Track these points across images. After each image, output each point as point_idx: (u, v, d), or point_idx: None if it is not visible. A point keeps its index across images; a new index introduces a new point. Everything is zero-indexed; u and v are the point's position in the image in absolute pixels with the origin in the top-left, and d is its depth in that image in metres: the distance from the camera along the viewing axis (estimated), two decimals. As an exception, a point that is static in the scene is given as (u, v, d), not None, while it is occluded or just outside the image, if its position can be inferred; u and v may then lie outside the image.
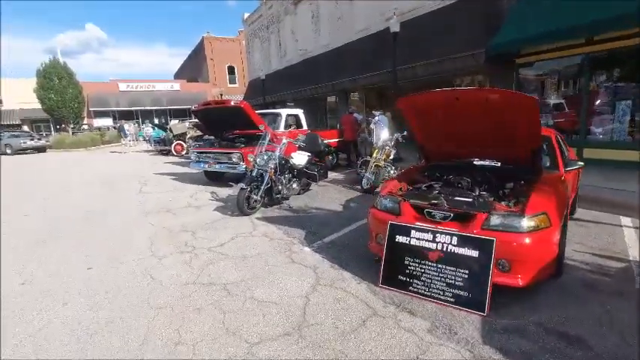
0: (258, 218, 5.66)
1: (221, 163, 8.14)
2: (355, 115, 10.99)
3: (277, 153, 5.97)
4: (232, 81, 43.55)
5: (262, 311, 2.93)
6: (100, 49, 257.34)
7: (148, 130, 20.76)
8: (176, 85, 41.18)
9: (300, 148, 6.93)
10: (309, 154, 6.83)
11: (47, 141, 23.61)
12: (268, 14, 25.81)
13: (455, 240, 2.97)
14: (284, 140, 6.18)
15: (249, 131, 8.84)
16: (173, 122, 19.84)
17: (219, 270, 3.76)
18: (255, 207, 5.88)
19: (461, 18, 10.82)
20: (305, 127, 9.68)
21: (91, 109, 35.27)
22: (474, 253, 2.87)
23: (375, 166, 7.39)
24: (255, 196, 5.80)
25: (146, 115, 37.04)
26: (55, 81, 25.62)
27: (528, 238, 2.82)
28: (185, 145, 16.76)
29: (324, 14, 19.09)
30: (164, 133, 18.40)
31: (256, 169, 5.89)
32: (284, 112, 9.30)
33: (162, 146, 17.77)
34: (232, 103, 7.76)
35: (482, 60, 9.93)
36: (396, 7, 12.65)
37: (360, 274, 3.54)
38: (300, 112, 9.76)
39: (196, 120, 20.55)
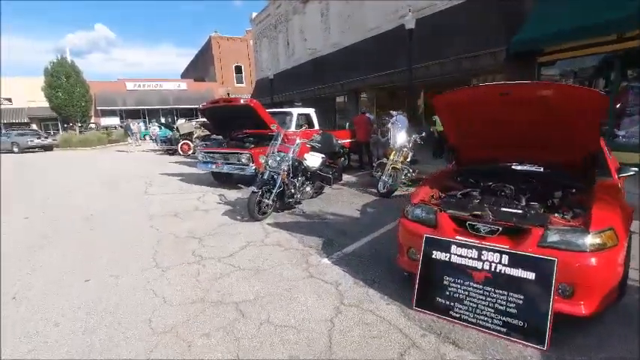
0: (269, 224, 5.27)
1: (229, 164, 7.77)
2: (368, 115, 10.58)
3: (290, 154, 5.58)
4: (239, 80, 43.32)
5: (281, 338, 2.53)
6: (108, 48, 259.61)
7: (155, 129, 20.49)
8: (183, 85, 41.05)
9: (313, 149, 6.54)
10: (323, 155, 6.43)
11: (54, 139, 23.50)
12: (276, 13, 25.49)
13: (506, 259, 2.55)
14: (297, 141, 5.79)
15: (258, 131, 8.48)
16: (180, 121, 19.56)
17: (229, 285, 3.37)
18: (266, 212, 5.49)
19: (477, 15, 10.35)
20: (317, 126, 9.30)
21: (98, 107, 35.23)
22: (530, 275, 2.45)
23: (392, 168, 6.97)
24: (266, 201, 5.42)
25: (153, 115, 36.96)
26: (62, 79, 25.51)
27: (594, 258, 2.39)
28: (192, 145, 16.45)
29: (333, 13, 18.70)
30: (171, 133, 18.13)
31: (268, 172, 5.50)
32: (295, 111, 8.92)
33: (169, 146, 17.49)
34: (242, 102, 7.40)
35: (502, 58, 9.47)
36: (410, 4, 12.22)
37: (388, 292, 3.14)
38: (311, 111, 9.37)
39: (204, 119, 20.35)
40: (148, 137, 25.75)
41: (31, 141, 21.57)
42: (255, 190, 5.19)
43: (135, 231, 5.13)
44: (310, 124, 9.13)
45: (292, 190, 5.73)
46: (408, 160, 7.41)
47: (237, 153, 7.61)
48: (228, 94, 36.84)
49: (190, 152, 16.47)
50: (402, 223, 3.25)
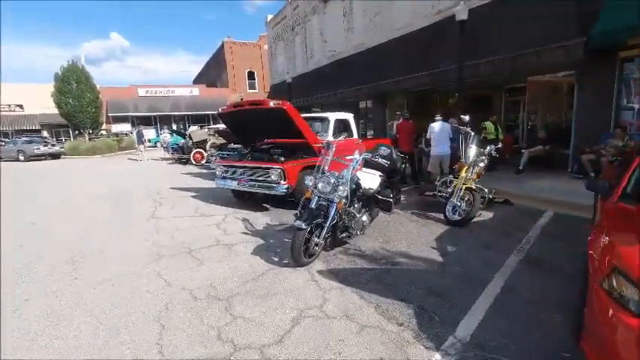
0: (321, 272, 3.77)
1: (255, 181, 6.32)
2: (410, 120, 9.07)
3: (349, 174, 4.08)
4: (252, 86, 42.37)
5: None
6: (123, 56, 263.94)
7: (166, 136, 19.26)
8: (195, 91, 40.14)
9: (366, 165, 5.04)
10: (381, 173, 4.91)
11: (62, 147, 22.50)
12: (294, 15, 24.27)
13: None
14: (357, 156, 4.28)
15: (288, 141, 7.05)
16: (192, 128, 18.31)
17: None
18: (314, 253, 4.00)
19: (541, 3, 8.78)
20: (355, 134, 7.81)
21: (109, 114, 34.47)
22: None
23: (464, 189, 5.43)
24: (316, 239, 3.92)
25: (165, 121, 36.02)
26: (72, 85, 24.58)
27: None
28: (205, 154, 15.15)
29: (358, 11, 17.31)
30: (182, 140, 16.86)
31: (316, 199, 4.02)
32: (332, 116, 7.44)
33: (181, 154, 16.20)
34: (272, 104, 5.96)
35: (579, 53, 7.88)
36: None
37: None
38: (349, 116, 7.90)
39: (218, 125, 19.05)
40: (159, 144, 24.68)
41: (37, 149, 20.57)
42: (302, 227, 3.69)
43: (134, 284, 3.66)
44: (349, 132, 7.65)
45: (348, 222, 4.22)
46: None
47: (265, 168, 6.16)
48: (242, 99, 35.75)
49: (204, 162, 15.17)
50: (619, 319, 1.72)
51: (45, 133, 33.14)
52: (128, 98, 35.55)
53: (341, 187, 3.91)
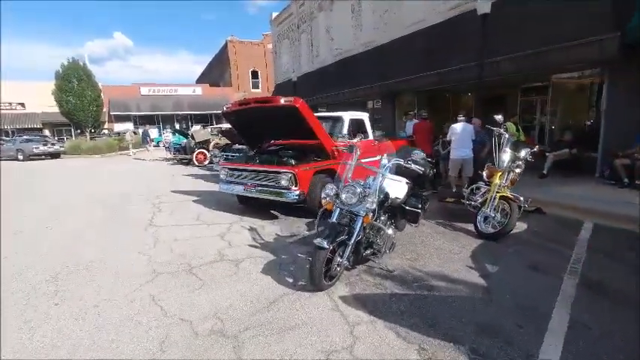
0: (345, 299, 3.19)
1: (263, 186, 5.76)
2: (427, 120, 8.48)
3: (377, 183, 3.50)
4: (255, 86, 41.88)
5: None
6: (126, 56, 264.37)
7: (168, 136, 18.73)
8: (198, 90, 39.68)
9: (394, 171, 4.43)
10: (408, 180, 4.32)
11: (61, 146, 22.03)
12: (299, 12, 23.72)
13: None
14: (385, 161, 3.68)
15: (298, 142, 6.49)
16: (195, 128, 17.78)
17: None
18: (336, 274, 3.41)
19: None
20: (371, 136, 7.23)
21: (111, 113, 34.05)
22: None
23: (499, 197, 4.84)
24: (339, 259, 3.34)
25: (167, 120, 35.53)
26: (74, 83, 24.12)
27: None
28: (208, 155, 14.60)
29: (366, 8, 16.72)
30: (185, 140, 16.34)
31: (338, 211, 3.44)
32: (347, 115, 6.87)
33: (183, 155, 15.66)
34: (282, 102, 5.39)
35: (613, 49, 7.27)
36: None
37: None
38: (365, 116, 7.32)
39: (221, 125, 18.51)
40: (161, 144, 24.18)
41: (37, 148, 20.08)
42: (324, 246, 3.11)
43: (124, 312, 3.09)
44: (364, 133, 7.07)
45: (373, 238, 3.64)
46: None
47: (274, 172, 5.59)
48: (245, 98, 35.23)
49: (206, 163, 14.64)
50: None
51: (47, 132, 32.72)
52: (131, 97, 35.13)
53: (369, 199, 3.33)
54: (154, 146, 25.57)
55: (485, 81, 8.93)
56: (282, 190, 5.51)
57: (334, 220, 3.44)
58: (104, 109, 30.02)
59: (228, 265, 4.03)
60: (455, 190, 7.29)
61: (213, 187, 9.40)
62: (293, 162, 5.87)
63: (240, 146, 9.65)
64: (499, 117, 5.31)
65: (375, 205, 3.36)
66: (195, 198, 7.89)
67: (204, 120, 37.70)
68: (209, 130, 16.93)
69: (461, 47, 10.40)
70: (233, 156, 9.31)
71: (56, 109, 25.71)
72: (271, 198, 5.69)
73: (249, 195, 5.96)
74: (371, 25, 16.49)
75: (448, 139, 7.46)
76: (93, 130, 30.57)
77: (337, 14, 19.17)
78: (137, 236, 5.22)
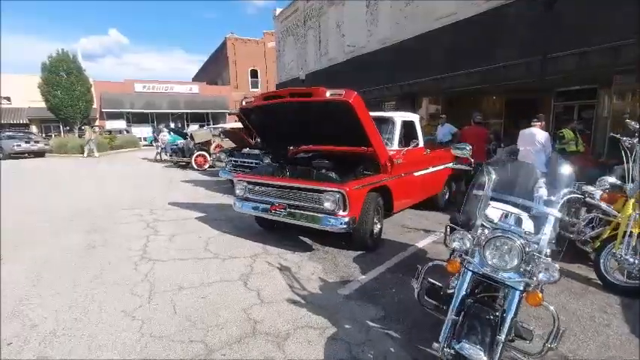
0: None
1: (298, 208, 4.29)
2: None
3: (549, 228, 2.05)
4: (254, 85, 40.40)
5: None
6: (121, 53, 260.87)
7: (165, 136, 17.10)
8: (195, 88, 37.99)
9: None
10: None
11: (46, 144, 20.28)
12: (306, 8, 22.32)
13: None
14: (543, 192, 2.24)
15: (334, 148, 5.08)
16: (192, 127, 16.33)
17: None
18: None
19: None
20: (421, 142, 5.81)
21: (103, 109, 32.25)
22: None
23: (637, 234, 3.44)
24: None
25: (162, 119, 33.73)
26: (62, 76, 22.41)
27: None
28: (209, 158, 13.09)
29: (384, 2, 15.36)
30: (182, 140, 14.78)
31: (469, 276, 2.01)
32: (398, 117, 5.43)
33: (180, 157, 14.08)
34: (329, 95, 3.94)
35: None
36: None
37: None
38: (416, 118, 5.91)
39: (224, 125, 16.95)
40: (155, 144, 22.59)
41: (18, 146, 18.33)
42: (482, 357, 1.66)
43: None
44: (415, 139, 5.65)
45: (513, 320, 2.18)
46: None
47: (315, 190, 4.13)
48: (245, 98, 33.65)
49: (207, 166, 13.13)
50: None
51: (33, 129, 30.78)
52: (124, 94, 33.31)
53: (537, 260, 1.88)
54: (146, 145, 23.94)
55: (547, 80, 7.60)
56: (325, 215, 4.06)
57: (462, 290, 2.00)
58: (94, 106, 28.31)
59: (267, 347, 2.56)
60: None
61: (218, 197, 7.93)
62: (334, 176, 4.44)
63: (252, 150, 8.18)
64: (634, 123, 3.92)
65: (548, 275, 1.91)
66: (200, 214, 6.40)
67: (200, 119, 36.07)
68: (209, 130, 15.41)
69: (509, 41, 9.07)
70: (244, 162, 7.82)
71: (44, 104, 23.97)
72: (307, 225, 4.23)
73: (276, 219, 4.48)
74: (389, 20, 15.13)
75: (515, 147, 6.10)
76: (83, 128, 28.81)
77: (350, 8, 17.80)
78: (124, 280, 3.71)
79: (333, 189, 3.96)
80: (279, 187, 4.45)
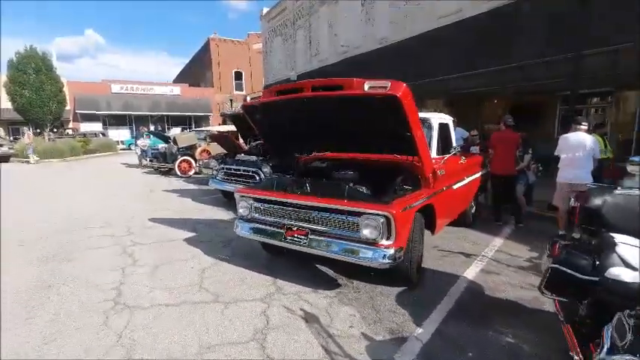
0: None
1: (324, 235, 3.30)
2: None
3: None
4: (239, 87, 39.19)
5: None
6: (97, 54, 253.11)
7: (144, 142, 15.57)
8: (176, 90, 36.39)
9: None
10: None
11: (10, 148, 18.53)
12: (295, 7, 21.41)
13: None
14: None
15: (359, 156, 4.15)
16: (174, 130, 15.06)
17: None
18: None
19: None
20: (455, 145, 4.94)
21: (77, 111, 30.31)
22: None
23: None
24: None
25: (141, 122, 31.97)
26: (30, 74, 20.62)
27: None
28: (194, 164, 11.91)
29: (382, 2, 14.60)
30: (163, 144, 13.49)
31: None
32: (435, 118, 4.52)
33: (161, 163, 12.80)
34: (367, 88, 2.99)
35: None
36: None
37: None
38: (450, 120, 5.04)
39: (210, 128, 15.73)
40: (133, 147, 21.05)
41: (-23, 150, 16.58)
42: None
43: None
44: (449, 142, 4.76)
45: None
46: None
47: (351, 212, 3.15)
48: (232, 100, 32.41)
49: (192, 173, 11.94)
50: None
51: (0, 131, 28.53)
52: (100, 95, 31.45)
53: None
54: (124, 149, 22.32)
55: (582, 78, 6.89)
56: (363, 246, 3.09)
57: None
58: (68, 107, 26.46)
59: None
60: (563, 232, 5.12)
61: (208, 210, 6.85)
62: (364, 191, 3.48)
63: (248, 156, 7.12)
64: None
65: None
66: (188, 234, 5.30)
67: (182, 122, 34.51)
68: (193, 133, 14.21)
69: (526, 40, 8.39)
70: (238, 170, 6.76)
71: (9, 105, 22.06)
72: (338, 258, 3.24)
73: (294, 248, 3.47)
74: (386, 18, 14.38)
75: (556, 153, 5.30)
76: (55, 130, 26.83)
77: (344, 7, 17.01)
78: (89, 345, 2.62)
79: (376, 211, 2.99)
80: (299, 206, 3.44)
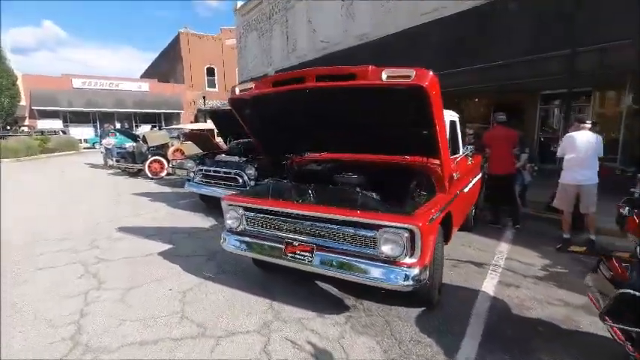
0: None
1: (336, 253, 2.78)
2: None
3: None
4: (211, 84, 37.93)
5: None
6: (57, 48, 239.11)
7: (109, 140, 14.41)
8: (145, 86, 34.60)
9: None
10: None
11: (-44, 147, 16.70)
12: (271, 1, 20.68)
13: None
14: None
15: (364, 157, 3.69)
16: (143, 128, 14.01)
17: None
18: None
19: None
20: (462, 145, 4.57)
21: (33, 107, 28.06)
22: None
23: None
24: None
25: (106, 119, 30.07)
26: (-22, 66, 18.79)
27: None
28: (166, 164, 11.04)
29: (363, -3, 14.22)
30: (131, 143, 12.45)
31: None
32: (446, 115, 4.11)
33: (130, 163, 11.79)
34: (386, 78, 2.49)
35: None
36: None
37: None
38: (456, 117, 4.66)
39: (183, 126, 14.77)
40: (98, 146, 19.63)
41: None
42: None
43: None
44: (457, 143, 4.38)
45: None
46: None
47: (369, 225, 2.65)
48: (204, 97, 31.12)
49: (163, 174, 11.07)
50: None
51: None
52: (60, 90, 29.28)
53: None
54: (87, 148, 20.80)
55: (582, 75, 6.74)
56: (381, 265, 2.60)
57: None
58: (23, 102, 24.45)
59: None
60: (568, 235, 4.89)
61: (185, 216, 6.17)
62: (376, 198, 3.00)
63: (229, 157, 6.48)
64: None
65: None
66: (165, 246, 4.63)
67: (151, 120, 32.79)
68: (165, 132, 13.28)
69: (509, 39, 8.22)
70: (218, 172, 6.11)
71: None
72: (351, 279, 2.74)
73: (296, 267, 2.93)
74: (368, 14, 14.02)
75: (560, 154, 5.06)
76: (9, 128, 24.69)
77: (322, 2, 16.49)
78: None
79: (400, 224, 2.51)
80: (303, 217, 2.90)
